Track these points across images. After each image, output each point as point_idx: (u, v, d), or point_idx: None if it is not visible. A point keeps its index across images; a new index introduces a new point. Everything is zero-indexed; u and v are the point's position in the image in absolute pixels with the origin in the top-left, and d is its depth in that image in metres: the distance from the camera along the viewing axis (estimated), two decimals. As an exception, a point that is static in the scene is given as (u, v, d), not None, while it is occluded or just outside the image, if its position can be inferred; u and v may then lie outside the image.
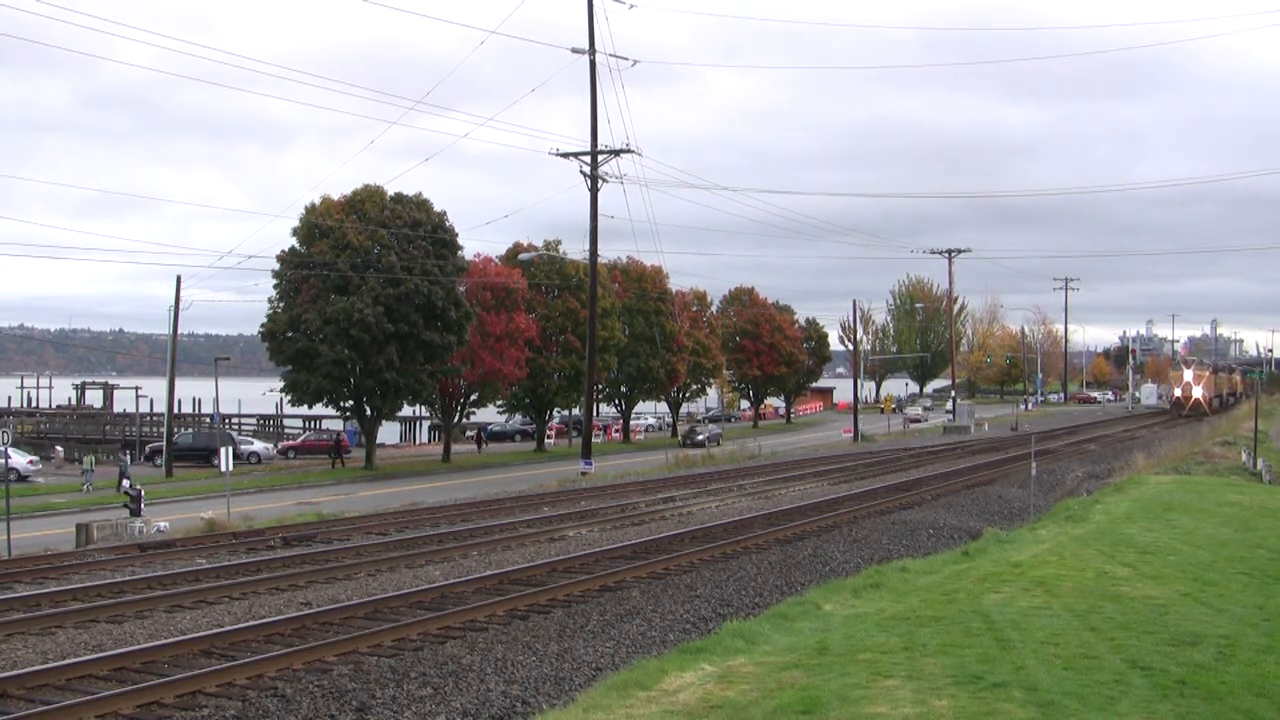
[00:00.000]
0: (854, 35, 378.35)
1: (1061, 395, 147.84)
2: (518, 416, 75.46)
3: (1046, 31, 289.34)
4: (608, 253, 68.50)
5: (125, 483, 43.55)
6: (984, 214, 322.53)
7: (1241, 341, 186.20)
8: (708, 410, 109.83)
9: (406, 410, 70.40)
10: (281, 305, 52.34)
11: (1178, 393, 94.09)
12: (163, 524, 29.92)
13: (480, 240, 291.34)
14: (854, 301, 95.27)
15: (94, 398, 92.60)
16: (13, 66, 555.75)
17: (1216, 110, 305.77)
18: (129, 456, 51.90)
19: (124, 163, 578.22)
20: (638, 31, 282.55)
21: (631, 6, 56.16)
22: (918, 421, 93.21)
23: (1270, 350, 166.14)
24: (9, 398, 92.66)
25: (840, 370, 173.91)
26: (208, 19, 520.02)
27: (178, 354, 54.65)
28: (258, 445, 62.73)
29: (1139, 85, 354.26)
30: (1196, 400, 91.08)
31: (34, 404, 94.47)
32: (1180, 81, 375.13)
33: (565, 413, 76.17)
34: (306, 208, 53.13)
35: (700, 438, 71.54)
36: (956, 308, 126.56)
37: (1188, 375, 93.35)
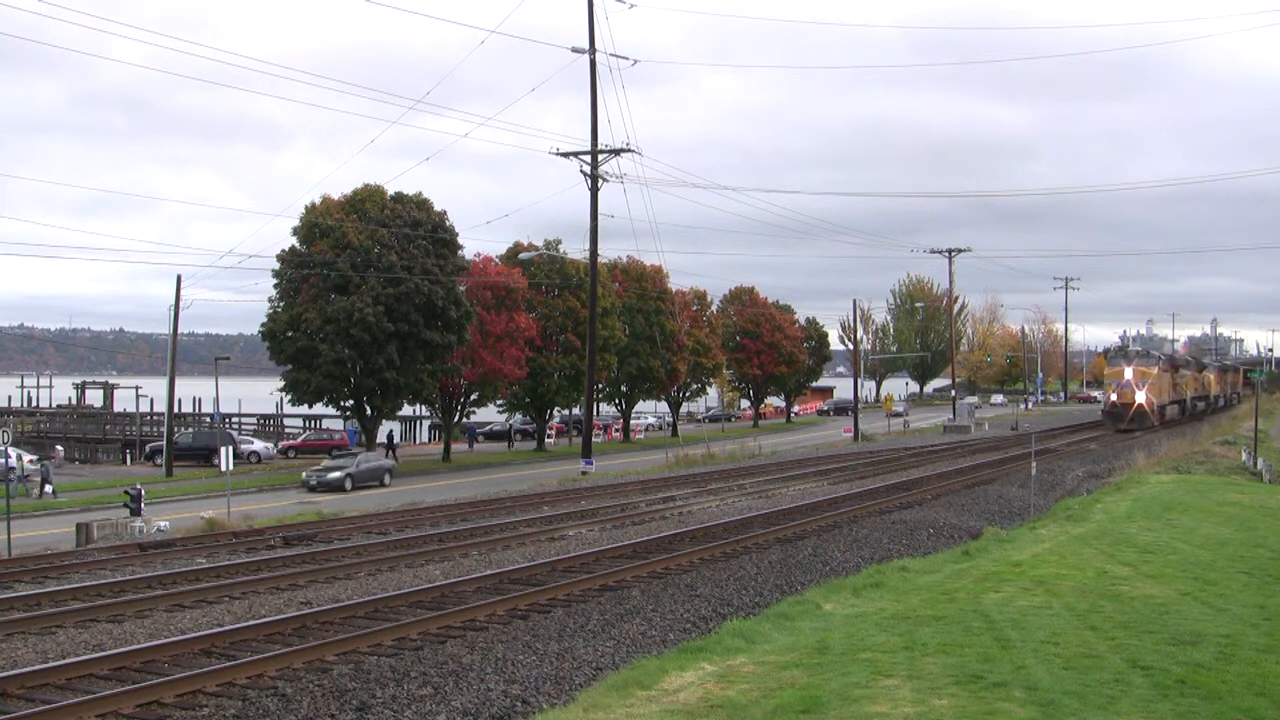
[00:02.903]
0: (845, 35, 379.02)
1: (1062, 394, 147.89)
2: (518, 416, 75.46)
3: (1038, 31, 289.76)
4: (608, 252, 68.57)
5: (48, 489, 41.37)
6: (983, 213, 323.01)
7: (1242, 341, 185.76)
8: (708, 409, 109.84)
9: (406, 409, 70.40)
10: (282, 305, 52.35)
11: (1114, 397, 70.02)
12: (163, 523, 29.94)
13: (480, 240, 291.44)
14: (854, 301, 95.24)
15: (94, 397, 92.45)
16: (8, 66, 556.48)
17: (1210, 110, 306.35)
18: (50, 464, 46.07)
19: (120, 162, 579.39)
20: (631, 32, 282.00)
21: (631, 6, 56.15)
22: (899, 415, 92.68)
23: (1270, 350, 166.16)
24: (9, 397, 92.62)
25: (840, 370, 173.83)
26: (205, 19, 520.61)
27: (178, 353, 54.61)
28: (258, 445, 62.69)
29: (1132, 85, 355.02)
30: (1139, 407, 67.50)
31: (34, 403, 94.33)
32: (1174, 82, 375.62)
33: (565, 412, 76.17)
34: (307, 207, 53.16)
35: (333, 476, 44.02)
36: (957, 307, 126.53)
37: (1128, 374, 68.54)
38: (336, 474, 44.48)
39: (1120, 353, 76.89)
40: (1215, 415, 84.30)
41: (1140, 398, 67.52)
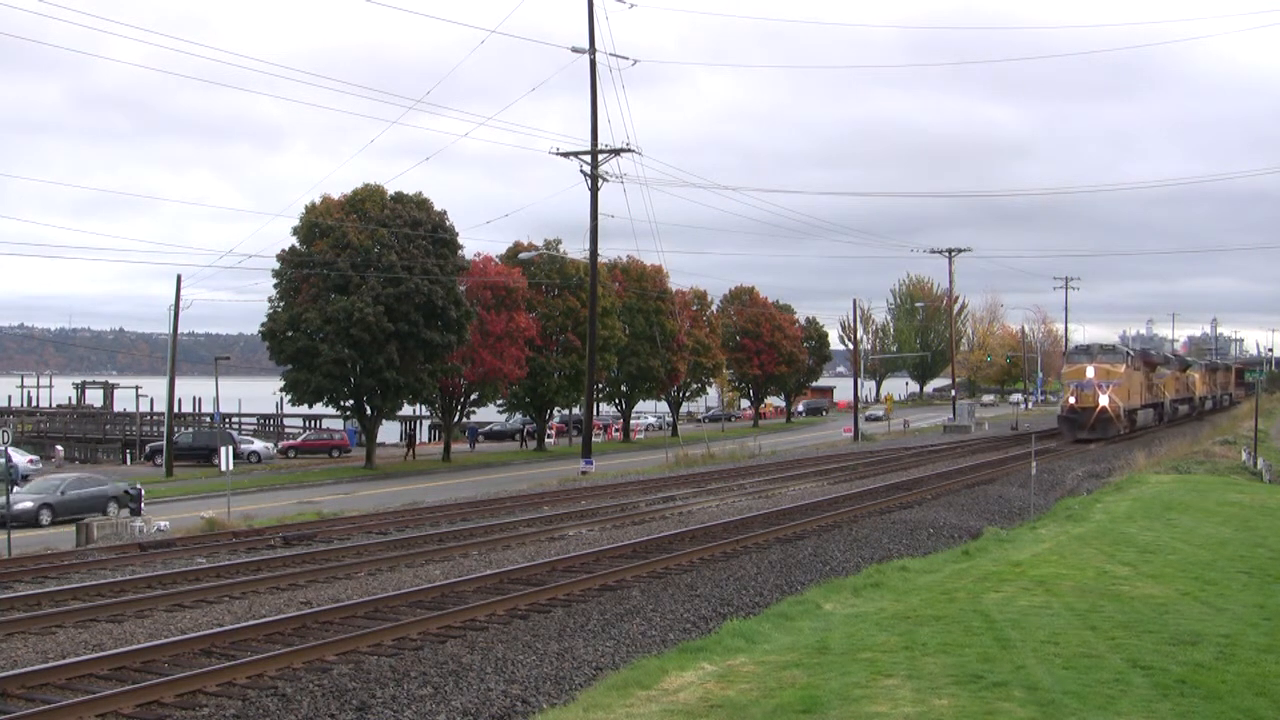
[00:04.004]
0: (843, 36, 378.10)
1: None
2: (518, 415, 75.51)
3: (1035, 32, 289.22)
4: (608, 252, 68.63)
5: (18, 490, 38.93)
6: (982, 213, 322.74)
7: (1242, 341, 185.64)
8: (708, 409, 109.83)
9: (406, 409, 70.47)
10: (282, 304, 52.39)
11: (1072, 400, 59.05)
12: (163, 523, 29.95)
13: (480, 240, 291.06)
14: (854, 301, 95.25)
15: (94, 397, 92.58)
16: (9, 66, 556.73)
17: (1209, 110, 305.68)
18: (19, 468, 41.59)
19: (119, 162, 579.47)
20: (630, 32, 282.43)
21: (631, 6, 56.12)
22: (876, 420, 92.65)
23: (1270, 350, 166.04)
24: (9, 397, 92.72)
25: (840, 369, 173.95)
26: (204, 19, 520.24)
27: (178, 353, 54.66)
28: (258, 444, 62.76)
29: (1131, 85, 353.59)
30: (1102, 411, 56.72)
31: (34, 403, 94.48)
32: (1172, 82, 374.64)
33: (565, 412, 76.21)
34: (307, 207, 53.20)
35: (24, 507, 33.91)
36: (957, 307, 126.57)
37: (1090, 372, 58.10)
38: (28, 503, 34.55)
39: (1082, 349, 65.15)
40: (1213, 416, 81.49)
41: (1103, 400, 56.89)
